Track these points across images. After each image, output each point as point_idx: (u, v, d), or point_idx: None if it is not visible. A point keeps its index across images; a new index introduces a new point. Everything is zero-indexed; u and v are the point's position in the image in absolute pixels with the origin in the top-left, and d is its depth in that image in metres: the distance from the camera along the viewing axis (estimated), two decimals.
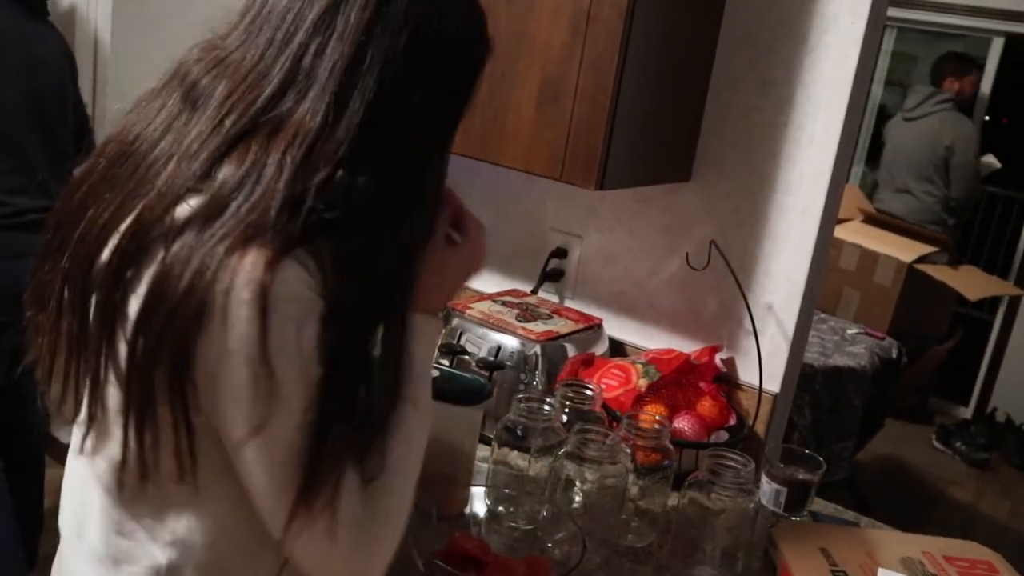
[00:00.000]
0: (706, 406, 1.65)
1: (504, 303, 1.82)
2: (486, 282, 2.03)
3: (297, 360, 0.84)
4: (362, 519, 0.90)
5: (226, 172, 0.86)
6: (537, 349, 1.67)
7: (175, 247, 0.84)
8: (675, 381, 1.66)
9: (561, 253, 1.92)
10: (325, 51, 0.89)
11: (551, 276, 1.93)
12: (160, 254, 0.84)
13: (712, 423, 1.63)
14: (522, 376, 1.66)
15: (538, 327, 1.72)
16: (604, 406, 1.60)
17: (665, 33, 1.53)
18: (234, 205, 0.85)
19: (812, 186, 1.63)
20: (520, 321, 1.74)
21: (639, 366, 1.65)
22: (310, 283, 0.85)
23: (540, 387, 1.65)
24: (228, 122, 0.88)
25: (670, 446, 1.44)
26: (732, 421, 1.66)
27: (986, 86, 4.95)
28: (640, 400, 1.61)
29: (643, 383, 1.62)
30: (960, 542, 1.42)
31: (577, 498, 1.39)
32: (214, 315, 0.82)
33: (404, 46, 0.90)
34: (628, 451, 1.42)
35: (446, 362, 1.64)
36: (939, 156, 4.26)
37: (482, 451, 1.49)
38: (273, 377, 0.83)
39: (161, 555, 0.93)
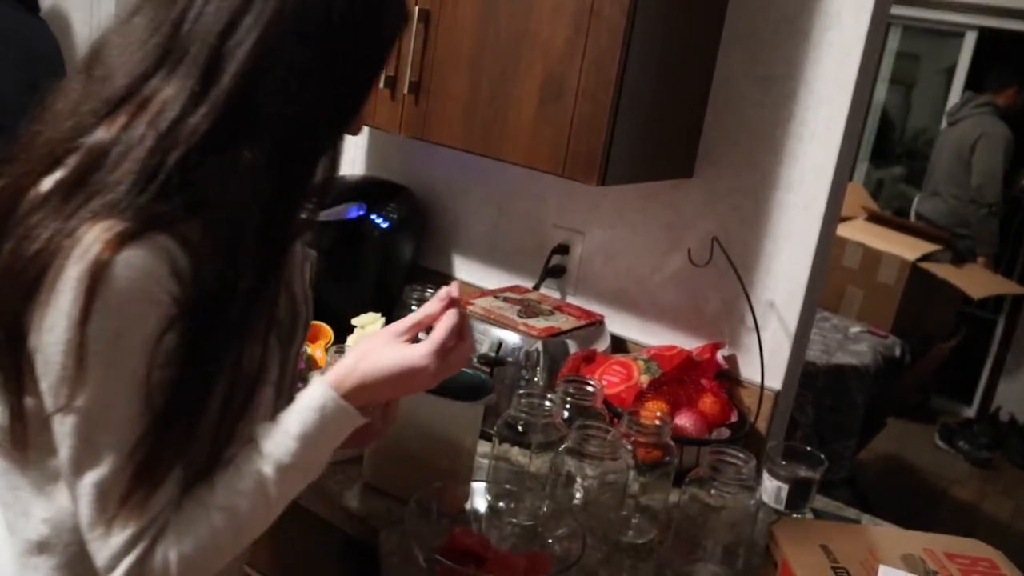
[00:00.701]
0: (708, 403, 1.65)
1: (506, 299, 1.82)
2: (488, 278, 2.03)
3: (113, 356, 0.83)
4: (172, 539, 0.88)
5: (97, 136, 0.85)
6: (539, 345, 1.67)
7: (34, 219, 0.84)
8: (677, 378, 1.66)
9: (563, 249, 1.92)
10: (200, 19, 0.85)
11: (553, 272, 1.93)
12: (19, 228, 0.84)
13: (713, 420, 1.63)
14: (523, 372, 1.65)
15: (539, 323, 1.72)
16: (605, 402, 1.60)
17: (667, 30, 1.53)
18: (96, 176, 0.84)
19: (814, 183, 1.63)
20: (521, 317, 1.73)
21: (641, 362, 1.65)
22: (160, 277, 0.83)
23: (541, 383, 1.65)
24: (106, 88, 0.87)
25: (671, 443, 1.44)
26: (734, 418, 1.66)
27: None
28: (642, 397, 1.61)
29: (645, 379, 1.62)
30: (962, 539, 1.41)
31: (578, 494, 1.39)
32: (44, 287, 0.81)
33: (286, 16, 0.85)
34: (629, 448, 1.41)
35: None
36: (964, 155, 4.30)
37: (483, 447, 1.49)
38: (83, 364, 0.81)
39: (35, 531, 0.93)
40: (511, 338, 1.68)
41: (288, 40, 0.86)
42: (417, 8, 1.60)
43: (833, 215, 1.67)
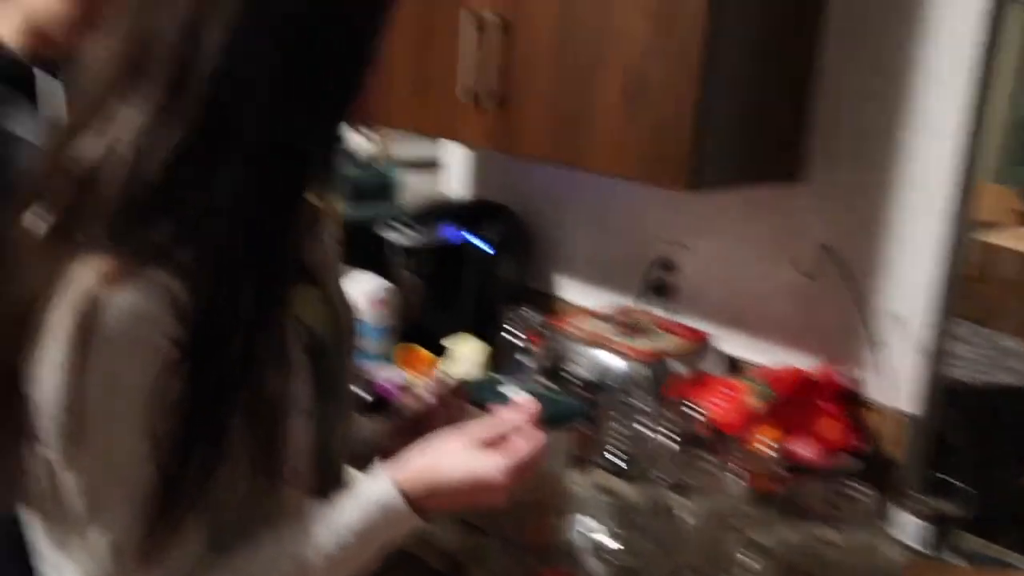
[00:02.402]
0: (827, 427, 1.49)
1: (607, 319, 1.72)
2: (593, 296, 1.93)
3: (111, 408, 0.78)
4: None
5: (71, 159, 0.80)
6: (643, 368, 1.56)
7: (22, 259, 0.80)
8: (792, 400, 1.51)
9: (667, 264, 1.80)
10: (163, 23, 0.79)
11: (657, 289, 1.81)
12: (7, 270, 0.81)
13: (835, 446, 1.47)
14: (627, 398, 1.54)
15: (643, 345, 1.61)
16: (713, 428, 1.46)
17: (758, 16, 1.40)
18: (77, 206, 0.79)
19: (938, 180, 1.45)
20: (624, 338, 1.63)
21: (751, 384, 1.51)
22: (156, 319, 0.77)
23: (646, 408, 1.53)
24: (80, 104, 0.83)
25: (785, 472, 1.30)
26: (858, 444, 1.49)
27: None
28: (753, 422, 1.47)
29: (756, 403, 1.48)
30: None
31: (682, 529, 1.27)
32: (38, 336, 0.77)
33: (252, 12, 0.78)
34: (738, 478, 1.29)
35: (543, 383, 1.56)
36: None
37: (581, 477, 1.39)
38: (81, 418, 0.77)
39: None
40: (613, 361, 1.58)
41: (256, 37, 0.79)
42: (497, 17, 1.54)
43: (965, 217, 1.48)
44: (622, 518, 1.32)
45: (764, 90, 1.47)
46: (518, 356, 1.76)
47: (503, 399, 1.33)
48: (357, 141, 2.72)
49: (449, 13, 1.60)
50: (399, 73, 1.72)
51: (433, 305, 1.91)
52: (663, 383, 1.55)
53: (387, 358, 1.88)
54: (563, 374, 1.59)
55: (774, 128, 1.53)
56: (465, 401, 1.25)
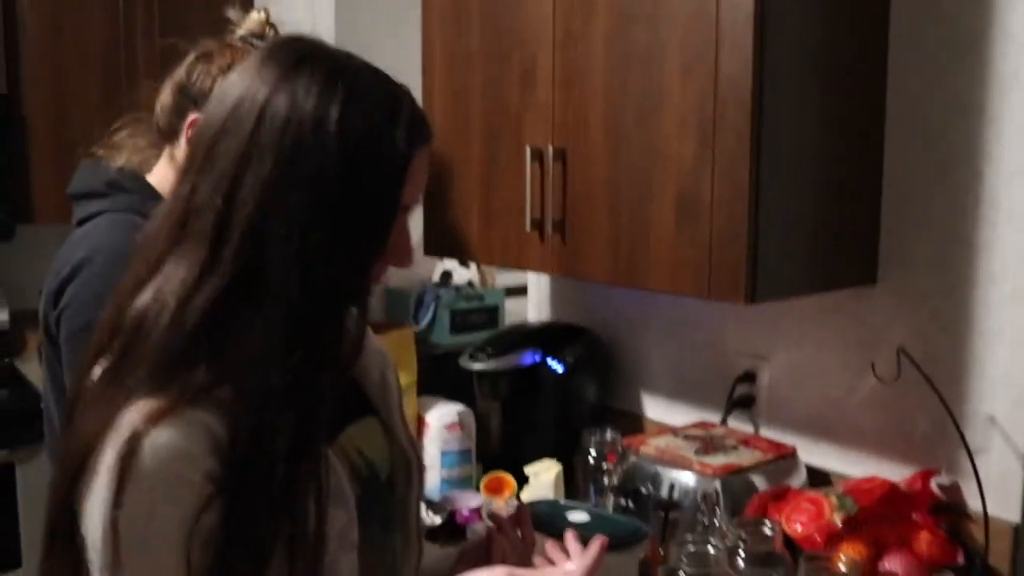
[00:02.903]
0: (923, 542, 1.39)
1: (686, 437, 1.68)
2: (675, 414, 1.90)
3: (146, 541, 0.81)
4: None
5: (128, 315, 0.88)
6: (716, 485, 1.51)
7: (85, 407, 0.87)
8: (880, 514, 1.43)
9: (749, 377, 1.77)
10: (206, 187, 0.88)
11: (740, 403, 1.77)
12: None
13: (932, 562, 1.37)
14: (700, 516, 1.50)
15: (717, 460, 1.56)
16: (790, 546, 1.40)
17: (814, 122, 1.41)
18: (128, 356, 0.85)
19: (1019, 269, 1.39)
20: (699, 455, 1.59)
21: (833, 498, 1.44)
22: (192, 456, 0.82)
23: (722, 526, 1.48)
24: (137, 264, 0.91)
25: None
26: (960, 560, 1.39)
27: None
28: (836, 538, 1.39)
29: (838, 517, 1.41)
30: None
31: None
32: (88, 474, 0.82)
33: (282, 169, 0.85)
34: None
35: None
36: None
37: None
38: (118, 551, 0.81)
39: None
40: (684, 478, 1.54)
41: (288, 193, 0.86)
42: (551, 148, 1.59)
43: None
44: None
45: (828, 195, 1.46)
46: (596, 478, 1.74)
47: (566, 523, 1.32)
48: (460, 272, 2.83)
49: (512, 149, 1.67)
50: (471, 208, 1.80)
51: (514, 430, 1.92)
52: (741, 500, 1.50)
53: (470, 484, 1.89)
54: (637, 494, 1.56)
55: (842, 231, 1.51)
56: (528, 527, 1.24)
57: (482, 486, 1.86)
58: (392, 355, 1.85)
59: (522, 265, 1.73)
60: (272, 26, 1.52)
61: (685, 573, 1.28)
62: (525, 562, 1.25)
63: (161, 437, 0.82)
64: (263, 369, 0.86)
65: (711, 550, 1.30)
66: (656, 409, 1.95)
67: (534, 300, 2.23)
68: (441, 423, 1.88)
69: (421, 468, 1.19)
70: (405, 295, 3.51)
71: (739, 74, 1.31)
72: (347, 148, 0.87)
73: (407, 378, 1.88)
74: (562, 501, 1.55)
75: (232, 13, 1.53)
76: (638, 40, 1.44)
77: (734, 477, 1.53)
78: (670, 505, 1.50)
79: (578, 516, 1.33)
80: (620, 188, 1.50)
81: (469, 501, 1.76)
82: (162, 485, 0.82)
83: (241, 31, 1.50)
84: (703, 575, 1.27)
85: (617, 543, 1.28)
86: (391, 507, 1.14)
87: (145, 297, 0.89)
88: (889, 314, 1.54)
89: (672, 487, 1.53)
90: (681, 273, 1.42)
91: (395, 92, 0.93)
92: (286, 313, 0.87)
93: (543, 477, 1.74)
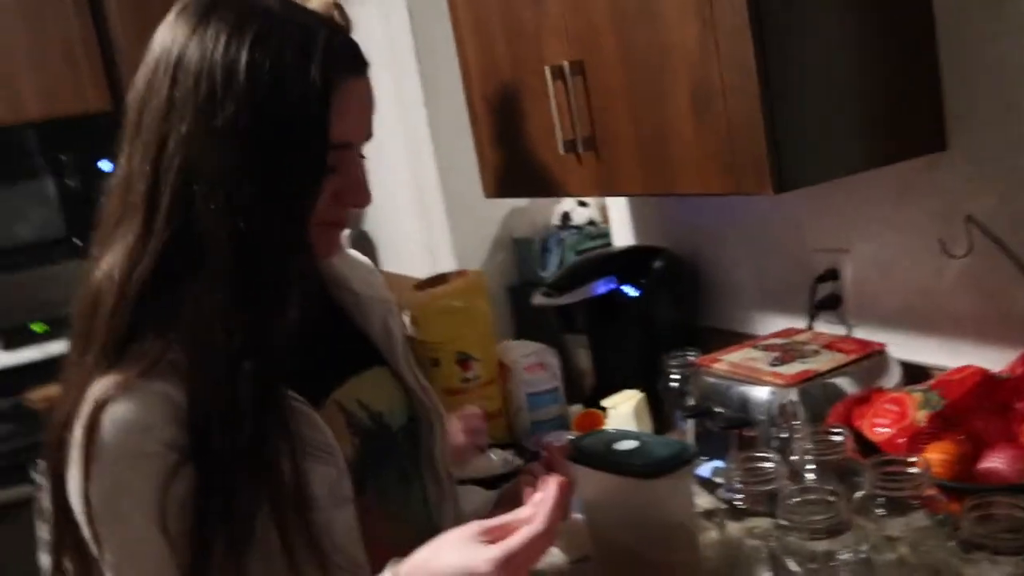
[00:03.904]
0: None
1: (765, 347, 1.56)
2: (762, 323, 1.77)
3: (117, 514, 0.82)
4: None
5: (84, 289, 0.89)
6: (792, 395, 1.39)
7: (64, 382, 0.88)
8: (974, 407, 1.26)
9: (832, 275, 1.61)
10: (133, 159, 0.87)
11: (827, 304, 1.62)
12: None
13: None
14: (775, 430, 1.38)
15: (793, 369, 1.43)
16: (875, 451, 1.26)
17: None
18: (88, 329, 0.86)
19: None
20: (774, 365, 1.46)
21: (917, 395, 1.28)
22: (149, 427, 0.82)
23: (794, 438, 1.35)
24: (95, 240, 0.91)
25: (939, 495, 1.08)
26: None
27: None
28: (921, 438, 1.24)
29: (923, 415, 1.25)
30: None
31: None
32: (65, 449, 0.84)
33: (202, 124, 0.84)
34: (912, 506, 1.08)
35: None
36: None
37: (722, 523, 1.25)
38: (94, 525, 0.82)
39: None
40: (757, 392, 1.42)
41: (209, 148, 0.85)
42: (567, 63, 1.50)
43: None
44: (777, 569, 1.17)
45: (868, 56, 1.29)
46: (681, 403, 1.65)
47: (614, 454, 1.25)
48: (580, 212, 2.76)
49: (536, 73, 1.59)
50: (513, 143, 1.73)
51: (600, 363, 1.85)
52: (822, 408, 1.37)
53: (563, 424, 1.84)
54: (712, 415, 1.46)
55: (893, 93, 1.32)
56: (561, 465, 1.19)
57: (572, 424, 1.81)
58: (463, 302, 1.85)
59: (566, 191, 1.65)
60: (340, 8, 1.47)
61: (743, 489, 1.18)
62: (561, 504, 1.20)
63: (118, 411, 0.83)
64: (211, 330, 0.86)
65: (768, 464, 1.19)
66: (743, 322, 1.82)
67: (616, 226, 2.14)
68: (520, 365, 1.84)
69: (441, 415, 1.16)
70: (529, 243, 3.48)
71: None
72: (258, 91, 0.85)
73: (480, 325, 1.86)
74: (612, 431, 1.47)
75: None
76: None
77: (812, 384, 1.40)
78: (740, 422, 1.40)
79: (626, 445, 1.24)
80: (637, 92, 1.39)
81: (556, 441, 1.71)
82: (124, 459, 0.83)
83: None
84: (756, 493, 1.17)
85: (659, 467, 1.19)
86: (410, 455, 1.11)
87: (97, 275, 0.90)
88: (967, 180, 1.35)
89: (743, 402, 1.42)
90: (707, 171, 1.30)
91: (308, 26, 0.88)
92: (226, 270, 0.86)
93: (622, 409, 1.67)
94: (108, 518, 0.84)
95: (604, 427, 1.73)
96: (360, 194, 0.95)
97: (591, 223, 2.96)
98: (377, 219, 3.33)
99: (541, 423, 1.84)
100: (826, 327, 1.62)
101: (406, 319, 1.81)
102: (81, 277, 0.93)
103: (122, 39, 2.86)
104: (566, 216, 2.82)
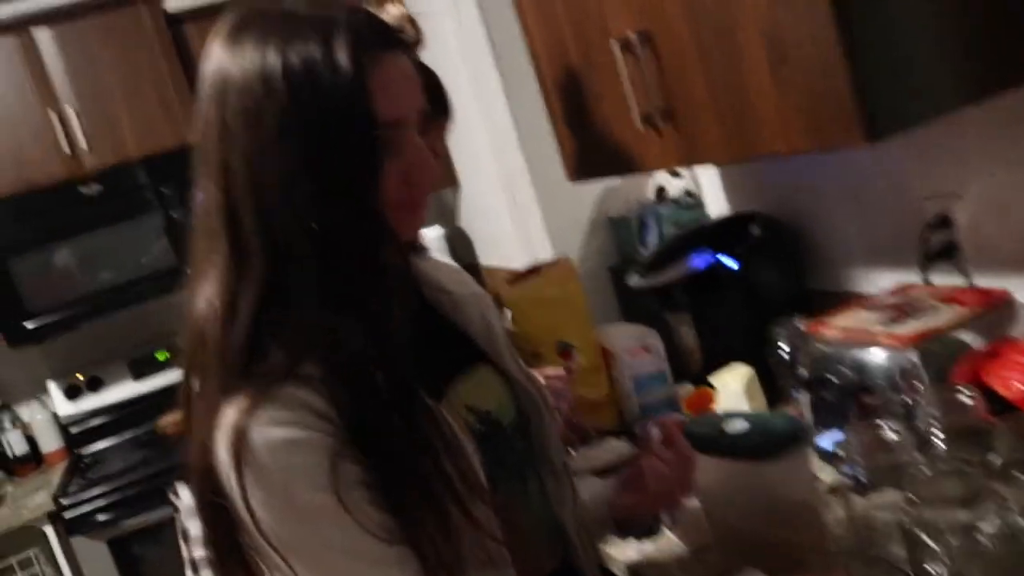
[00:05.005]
0: None
1: (878, 307, 1.46)
2: (875, 280, 1.66)
3: (300, 516, 0.81)
4: None
5: (191, 322, 0.89)
6: (912, 356, 1.30)
7: (193, 416, 0.88)
8: None
9: (943, 223, 1.49)
10: (207, 189, 0.88)
11: (941, 254, 1.50)
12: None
13: None
14: (896, 396, 1.29)
15: (910, 327, 1.34)
16: (1009, 411, 1.16)
17: None
18: (207, 360, 0.86)
19: None
20: (889, 326, 1.37)
21: None
22: (298, 420, 0.81)
23: (915, 403, 1.26)
24: (190, 273, 0.90)
25: None
26: None
27: None
28: None
29: None
30: None
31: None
32: (221, 473, 0.83)
33: (255, 153, 0.84)
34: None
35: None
36: None
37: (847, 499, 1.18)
38: (275, 541, 0.81)
39: None
40: (874, 356, 1.34)
41: (268, 159, 0.84)
42: (636, 35, 1.44)
43: None
44: (911, 545, 1.09)
45: None
46: (795, 373, 1.57)
47: (724, 437, 1.19)
48: (674, 184, 2.70)
49: (603, 47, 1.53)
50: (587, 121, 1.68)
51: (705, 339, 1.78)
52: (945, 367, 1.27)
53: (673, 406, 1.79)
54: (828, 384, 1.38)
55: (992, 15, 1.21)
56: (679, 442, 1.15)
57: (683, 405, 1.75)
58: (555, 291, 1.81)
59: (648, 166, 1.59)
60: (412, 21, 1.45)
61: (862, 464, 1.11)
62: (683, 479, 1.18)
63: (261, 417, 0.82)
64: (328, 339, 0.85)
65: (892, 434, 1.12)
66: (851, 281, 1.72)
67: (709, 194, 2.06)
68: (624, 349, 1.79)
69: (550, 407, 1.14)
70: (626, 221, 3.41)
71: None
72: (294, 90, 0.84)
73: (576, 312, 1.81)
74: (722, 413, 1.41)
75: (368, 5, 1.49)
76: None
77: (932, 343, 1.30)
78: (860, 389, 1.32)
79: (738, 426, 1.19)
80: (709, 55, 1.32)
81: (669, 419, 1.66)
82: (280, 456, 0.82)
83: None
84: (881, 465, 1.10)
85: (778, 448, 1.13)
86: (524, 451, 1.09)
87: (197, 307, 0.90)
88: None
89: (858, 368, 1.34)
90: (789, 129, 1.22)
91: (328, 17, 0.87)
92: (319, 275, 0.86)
93: (732, 386, 1.60)
94: (291, 526, 0.83)
95: (714, 406, 1.67)
96: (426, 171, 0.92)
97: (688, 194, 2.87)
98: (470, 215, 3.33)
99: (650, 407, 1.78)
100: (942, 279, 1.51)
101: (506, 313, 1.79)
102: (183, 311, 0.94)
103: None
104: (661, 190, 2.74)
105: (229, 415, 0.83)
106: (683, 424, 1.17)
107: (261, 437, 0.82)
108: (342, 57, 0.83)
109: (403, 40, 0.92)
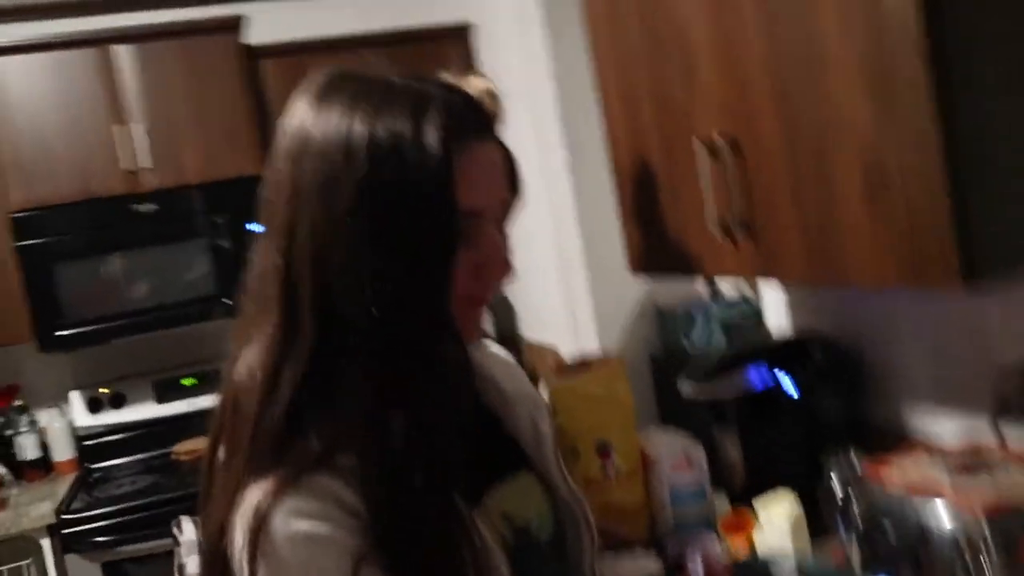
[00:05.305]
0: None
1: (944, 456, 1.37)
2: (933, 425, 1.57)
3: None
4: None
5: (225, 393, 0.84)
6: (983, 526, 1.20)
7: (213, 491, 0.81)
8: None
9: (1020, 372, 1.41)
10: (267, 251, 0.83)
11: (1018, 407, 1.41)
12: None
13: None
14: (959, 564, 1.20)
15: (981, 489, 1.25)
16: None
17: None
18: (236, 434, 0.80)
19: None
20: (956, 480, 1.28)
21: None
22: (322, 515, 0.75)
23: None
24: (234, 336, 0.86)
25: None
26: None
27: None
28: None
29: None
30: None
31: None
32: (234, 556, 0.77)
33: (325, 222, 0.79)
34: None
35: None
36: None
37: None
38: None
39: None
40: (941, 516, 1.24)
41: (338, 230, 0.79)
42: (722, 140, 1.39)
43: None
44: None
45: None
46: (846, 511, 1.47)
47: None
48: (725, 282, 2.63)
49: (686, 147, 1.49)
50: (661, 218, 1.63)
51: (748, 457, 1.70)
52: (1016, 540, 1.18)
53: (708, 524, 1.69)
54: (882, 534, 1.28)
55: None
56: None
57: (720, 525, 1.66)
58: (603, 389, 1.74)
59: (718, 272, 1.53)
60: (494, 95, 1.40)
61: None
62: None
63: (286, 506, 0.77)
64: (371, 431, 0.80)
65: None
66: (917, 420, 1.63)
67: (772, 310, 1.98)
68: (665, 458, 1.71)
69: (590, 524, 1.06)
70: (675, 314, 3.34)
71: (903, 12, 1.04)
72: (376, 166, 0.79)
73: (621, 413, 1.74)
74: (768, 555, 1.32)
75: (447, 78, 1.42)
76: None
77: (1007, 516, 1.21)
78: (918, 544, 1.23)
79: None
80: (799, 170, 1.26)
81: (702, 544, 1.56)
82: (298, 550, 0.77)
83: None
84: None
85: None
86: (558, 569, 1.02)
87: (239, 373, 0.85)
88: None
89: (921, 526, 1.25)
90: (881, 261, 1.16)
91: (423, 92, 0.82)
92: (374, 362, 0.80)
93: (776, 520, 1.50)
94: None
95: (752, 532, 1.58)
96: (499, 265, 0.86)
97: (744, 298, 2.80)
98: (518, 285, 3.28)
99: (685, 522, 1.69)
100: (1015, 433, 1.42)
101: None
102: (223, 374, 0.89)
103: (278, 111, 2.95)
104: (714, 286, 2.68)
105: (252, 497, 0.78)
106: (729, 569, 1.09)
107: (283, 527, 0.76)
108: (431, 137, 0.79)
109: (495, 127, 0.87)
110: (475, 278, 0.84)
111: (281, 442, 0.80)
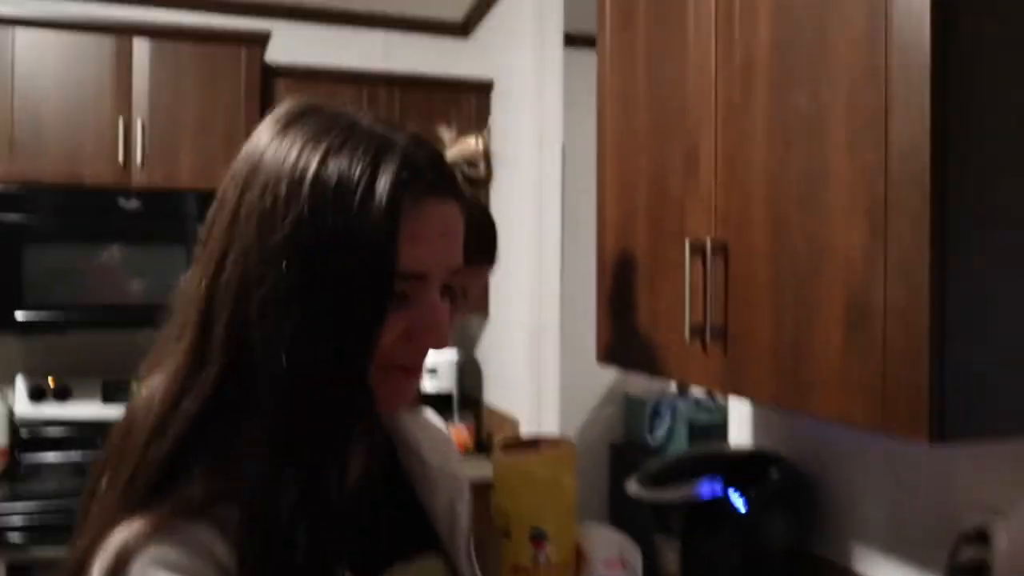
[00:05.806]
0: None
1: None
2: (881, 569, 1.50)
3: None
4: None
5: (128, 410, 0.78)
6: None
7: (89, 516, 0.75)
8: None
9: (979, 537, 1.35)
10: (194, 277, 0.78)
11: (969, 570, 1.35)
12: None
13: None
14: None
15: None
16: None
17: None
18: (124, 461, 0.74)
19: None
20: None
21: None
22: (190, 569, 0.69)
23: None
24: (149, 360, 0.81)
25: None
26: None
27: None
28: None
29: None
30: None
31: None
32: None
33: (255, 256, 0.73)
34: None
35: None
36: None
37: None
38: None
39: None
40: None
41: (266, 266, 0.73)
42: (712, 242, 1.35)
43: None
44: None
45: None
46: None
47: None
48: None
49: (675, 243, 1.45)
50: (638, 312, 1.58)
51: (686, 571, 1.62)
52: None
53: None
54: None
55: None
56: None
57: None
58: (549, 474, 1.67)
59: (686, 378, 1.47)
60: (488, 157, 1.33)
61: None
62: None
63: (149, 556, 0.70)
64: (261, 486, 0.73)
65: None
66: (866, 563, 1.56)
67: (737, 420, 1.93)
68: (599, 556, 1.63)
69: None
70: (642, 403, 3.28)
71: (912, 142, 1.00)
72: (319, 206, 0.73)
73: (562, 503, 1.66)
74: None
75: (445, 133, 1.32)
76: (799, 107, 1.18)
77: None
78: None
79: None
80: (783, 288, 1.22)
81: None
82: None
83: (451, 153, 1.27)
84: None
85: None
86: None
87: (140, 398, 0.79)
88: None
89: None
90: (850, 397, 1.10)
91: (386, 139, 0.76)
92: (276, 414, 0.73)
93: None
94: None
95: None
96: (432, 334, 0.79)
97: (710, 395, 2.74)
98: (489, 348, 3.22)
99: None
100: None
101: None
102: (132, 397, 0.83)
103: None
104: (683, 383, 2.64)
105: (119, 537, 0.71)
106: None
107: (139, 570, 0.69)
108: (382, 185, 0.73)
109: (458, 190, 0.82)
110: (405, 343, 0.77)
111: (161, 481, 0.74)
